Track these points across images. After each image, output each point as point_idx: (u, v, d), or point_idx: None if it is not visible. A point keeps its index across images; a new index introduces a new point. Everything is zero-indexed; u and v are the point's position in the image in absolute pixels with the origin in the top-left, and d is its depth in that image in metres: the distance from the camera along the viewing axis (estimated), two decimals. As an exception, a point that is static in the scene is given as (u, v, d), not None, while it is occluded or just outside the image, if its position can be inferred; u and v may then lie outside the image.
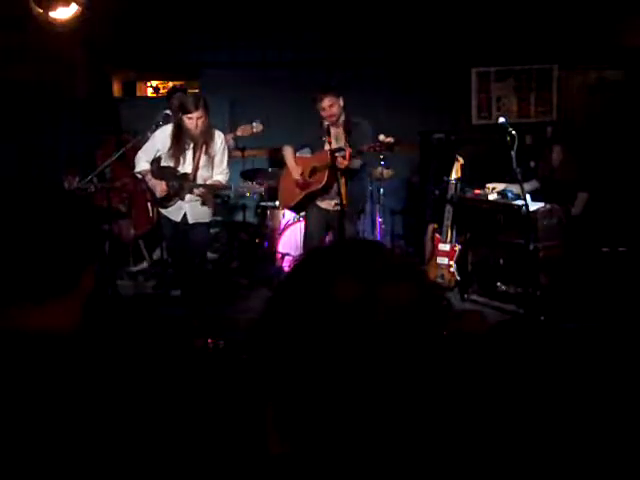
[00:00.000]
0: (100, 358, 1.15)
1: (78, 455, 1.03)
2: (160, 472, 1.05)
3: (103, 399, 1.08)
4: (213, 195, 5.02)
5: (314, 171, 5.09)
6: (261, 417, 0.84)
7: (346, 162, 4.78)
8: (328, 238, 5.40)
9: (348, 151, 4.76)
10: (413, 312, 0.80)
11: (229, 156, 5.03)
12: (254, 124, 5.47)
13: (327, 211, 5.14)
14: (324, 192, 5.05)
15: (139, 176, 4.96)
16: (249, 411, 1.07)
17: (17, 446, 1.01)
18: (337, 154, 4.80)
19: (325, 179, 4.96)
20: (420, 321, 0.80)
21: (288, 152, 5.27)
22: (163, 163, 4.90)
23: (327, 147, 4.91)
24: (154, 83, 9.16)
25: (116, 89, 8.23)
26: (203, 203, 4.86)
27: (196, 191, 4.78)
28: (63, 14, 4.98)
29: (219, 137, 4.88)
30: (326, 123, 4.81)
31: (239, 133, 5.54)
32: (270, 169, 6.69)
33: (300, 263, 0.87)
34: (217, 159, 4.87)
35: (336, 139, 4.85)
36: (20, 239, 1.13)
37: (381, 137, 4.81)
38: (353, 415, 0.77)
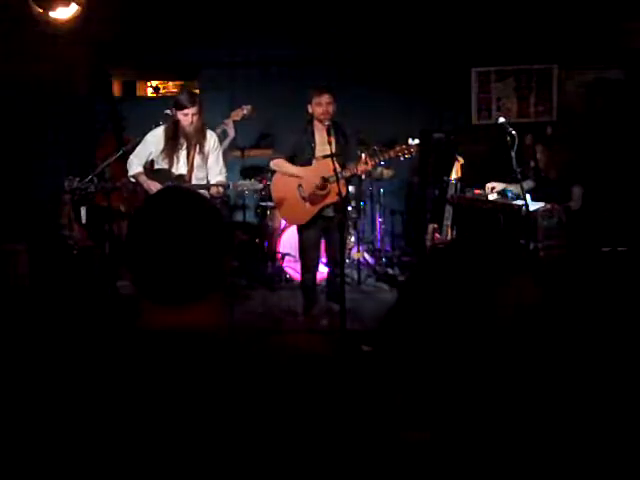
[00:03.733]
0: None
1: (80, 454, 1.03)
2: (161, 471, 1.05)
3: (103, 399, 1.08)
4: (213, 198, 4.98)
5: (324, 181, 4.81)
6: (386, 406, 0.88)
7: (368, 167, 4.72)
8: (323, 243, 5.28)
9: (367, 159, 4.68)
10: (533, 310, 0.85)
11: (229, 152, 5.02)
12: (244, 107, 5.82)
13: (324, 217, 4.98)
14: (342, 202, 4.66)
15: (133, 180, 4.94)
16: (249, 410, 1.07)
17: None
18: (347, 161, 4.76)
19: (344, 190, 4.64)
20: (539, 318, 0.85)
21: (284, 164, 4.93)
22: (156, 166, 4.89)
23: (322, 151, 4.83)
24: (154, 83, 9.16)
25: (116, 89, 8.23)
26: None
27: (213, 190, 4.76)
28: (63, 14, 4.98)
29: (211, 136, 4.87)
30: (326, 123, 4.75)
31: (234, 117, 5.80)
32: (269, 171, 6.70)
33: (429, 259, 0.93)
34: (212, 159, 4.85)
35: (328, 143, 4.58)
36: (165, 242, 1.14)
37: (410, 141, 4.69)
38: (480, 403, 0.82)
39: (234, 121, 5.87)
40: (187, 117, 4.64)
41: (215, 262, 1.18)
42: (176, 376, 1.07)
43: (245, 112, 5.80)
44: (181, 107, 4.62)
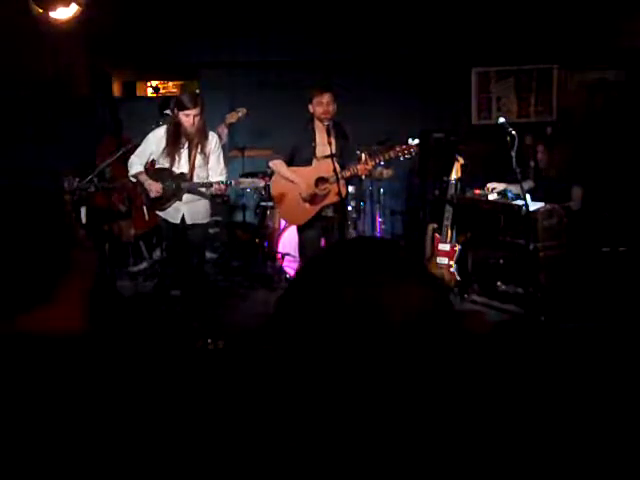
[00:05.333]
0: (106, 359, 1.14)
1: (80, 455, 1.03)
2: (160, 471, 1.05)
3: (103, 399, 1.08)
4: (214, 196, 4.99)
5: (322, 181, 4.83)
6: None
7: (369, 167, 4.72)
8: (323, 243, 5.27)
9: (367, 159, 4.69)
10: (419, 314, 0.81)
11: (227, 154, 5.02)
12: (238, 109, 5.83)
13: (324, 217, 4.98)
14: (342, 202, 4.71)
15: (134, 180, 4.94)
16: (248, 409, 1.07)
17: (20, 448, 1.00)
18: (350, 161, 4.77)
19: (344, 190, 4.71)
20: (426, 322, 0.82)
21: (281, 166, 4.96)
22: (158, 165, 4.89)
23: (323, 151, 4.82)
24: (154, 83, 9.16)
25: (116, 89, 8.23)
26: (208, 197, 4.85)
27: (202, 190, 4.77)
28: (63, 14, 4.98)
29: (213, 137, 4.88)
30: (326, 124, 4.75)
31: (229, 120, 5.81)
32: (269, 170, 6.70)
33: (311, 263, 0.89)
34: (213, 159, 4.85)
35: (328, 144, 4.63)
36: None
37: (410, 141, 4.70)
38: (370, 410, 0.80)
39: (230, 123, 5.87)
40: (189, 118, 4.65)
41: (50, 261, 1.09)
42: (26, 382, 1.03)
43: (240, 115, 5.83)
44: (183, 108, 4.64)
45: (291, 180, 4.91)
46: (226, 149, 5.86)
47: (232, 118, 5.83)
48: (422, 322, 0.81)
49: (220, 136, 5.71)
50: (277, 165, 5.00)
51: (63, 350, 1.06)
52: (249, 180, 5.13)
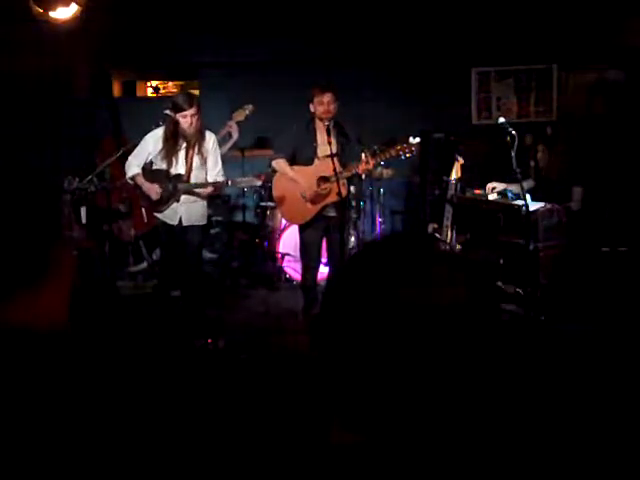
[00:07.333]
0: (90, 357, 1.13)
1: (73, 456, 1.03)
2: (160, 470, 1.05)
3: (101, 398, 1.07)
4: (210, 196, 4.98)
5: (323, 181, 4.84)
6: (322, 411, 0.87)
7: (370, 166, 4.72)
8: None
9: (368, 158, 4.69)
10: (462, 313, 0.83)
11: (229, 153, 5.01)
12: (245, 106, 5.86)
13: (325, 216, 4.98)
14: (342, 202, 4.71)
15: (131, 182, 4.92)
16: (250, 408, 1.07)
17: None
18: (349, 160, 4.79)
19: (344, 189, 4.70)
20: (469, 322, 0.84)
21: (284, 165, 4.96)
22: (155, 166, 4.88)
23: (324, 151, 4.82)
24: (154, 83, 9.15)
25: (116, 89, 8.23)
26: (205, 198, 4.84)
27: (199, 191, 4.76)
28: (63, 14, 4.98)
29: (210, 137, 4.86)
30: (326, 123, 4.76)
31: (237, 118, 5.85)
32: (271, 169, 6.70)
33: (356, 260, 0.91)
34: (211, 160, 4.84)
35: (328, 143, 4.64)
36: None
37: (410, 139, 4.70)
38: (411, 407, 0.81)
39: (237, 122, 5.87)
40: (186, 119, 4.63)
41: (33, 251, 1.06)
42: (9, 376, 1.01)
43: (247, 112, 5.82)
44: (179, 109, 4.62)
45: (293, 179, 4.91)
46: (234, 146, 5.89)
47: (240, 116, 5.84)
48: (463, 321, 0.84)
49: (231, 133, 5.74)
50: (279, 164, 5.01)
51: (44, 344, 1.04)
52: (245, 179, 5.15)
